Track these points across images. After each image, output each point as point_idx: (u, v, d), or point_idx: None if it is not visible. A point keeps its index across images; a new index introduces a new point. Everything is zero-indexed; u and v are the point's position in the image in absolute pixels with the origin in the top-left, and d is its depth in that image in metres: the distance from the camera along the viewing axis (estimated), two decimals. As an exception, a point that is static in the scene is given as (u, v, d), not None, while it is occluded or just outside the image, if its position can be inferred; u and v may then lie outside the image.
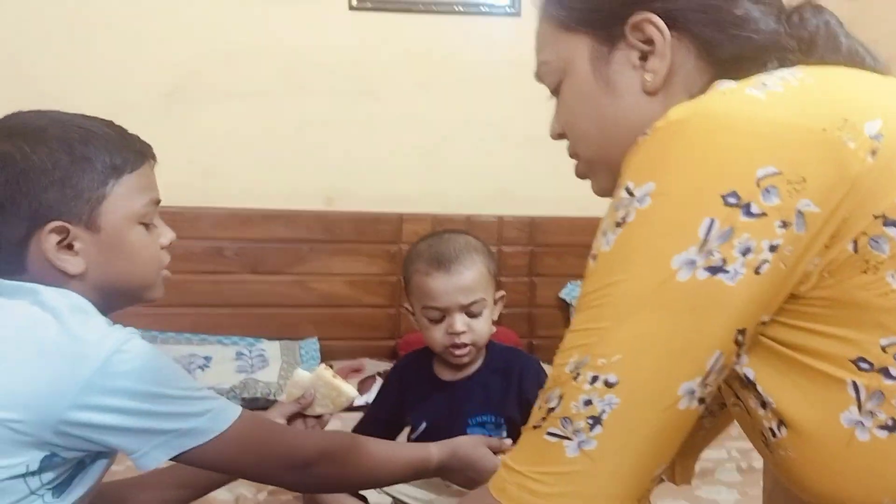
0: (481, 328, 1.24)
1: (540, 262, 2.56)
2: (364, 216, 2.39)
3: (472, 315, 1.22)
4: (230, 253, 2.28)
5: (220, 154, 2.29)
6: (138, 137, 0.86)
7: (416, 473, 1.02)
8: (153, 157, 0.87)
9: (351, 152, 2.39)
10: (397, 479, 1.04)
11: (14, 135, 0.80)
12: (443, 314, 1.22)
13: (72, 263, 0.79)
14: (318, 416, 1.08)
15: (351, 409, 1.89)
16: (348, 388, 1.10)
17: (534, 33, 0.75)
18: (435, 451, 1.03)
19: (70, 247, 0.79)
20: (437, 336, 1.23)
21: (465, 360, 1.26)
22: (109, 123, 0.85)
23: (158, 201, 0.87)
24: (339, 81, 2.39)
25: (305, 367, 1.88)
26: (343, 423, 1.83)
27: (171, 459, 0.78)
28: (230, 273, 2.28)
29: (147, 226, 0.85)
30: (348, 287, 2.36)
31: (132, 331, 0.79)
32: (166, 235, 0.89)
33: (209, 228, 2.25)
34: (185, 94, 2.29)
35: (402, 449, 1.08)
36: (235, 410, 0.82)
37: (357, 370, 2.08)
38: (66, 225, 0.78)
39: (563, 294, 2.53)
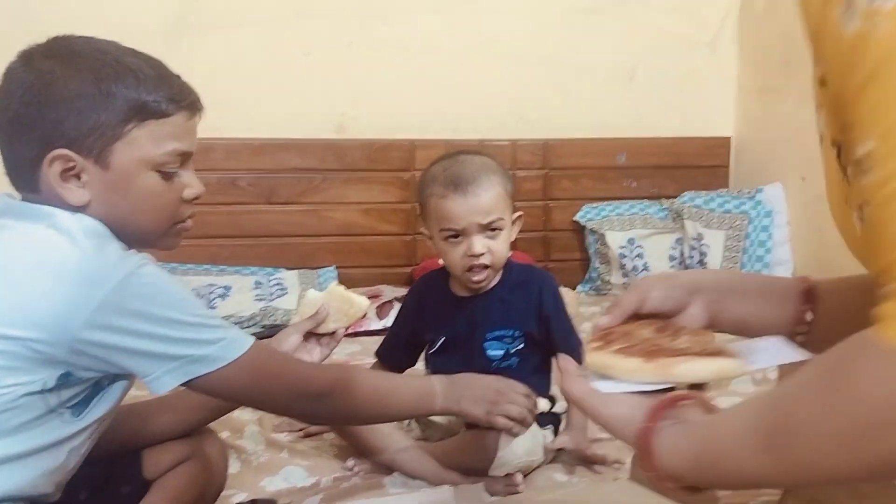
0: (500, 249, 1.23)
1: (555, 186, 2.54)
2: (376, 143, 2.37)
3: (490, 235, 1.22)
4: (244, 183, 2.28)
5: (229, 84, 2.25)
6: (183, 85, 0.83)
7: (423, 401, 1.02)
8: (194, 107, 0.84)
9: (361, 78, 2.35)
10: (405, 408, 1.04)
11: (54, 56, 0.79)
12: (461, 236, 1.22)
13: (74, 194, 0.79)
14: (332, 333, 1.10)
15: (372, 333, 1.95)
16: (360, 299, 1.11)
17: None
18: (436, 378, 1.06)
19: (78, 177, 0.79)
20: (456, 258, 1.23)
21: (483, 284, 1.26)
22: (156, 65, 0.83)
23: (186, 153, 0.84)
24: (347, 5, 2.33)
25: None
26: (363, 346, 1.87)
27: (182, 385, 0.79)
28: (245, 204, 2.28)
29: (167, 175, 0.83)
30: (363, 215, 2.36)
31: (146, 256, 0.79)
32: (192, 189, 0.86)
33: (222, 160, 2.25)
34: (190, 23, 2.24)
35: (407, 379, 1.10)
36: (248, 340, 0.82)
37: (375, 296, 2.10)
38: (72, 155, 0.78)
39: (578, 217, 2.52)
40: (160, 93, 0.81)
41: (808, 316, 0.72)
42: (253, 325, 1.97)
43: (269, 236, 2.31)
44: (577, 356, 1.28)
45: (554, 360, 1.33)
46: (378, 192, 2.37)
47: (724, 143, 2.63)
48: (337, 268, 2.29)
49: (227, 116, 2.21)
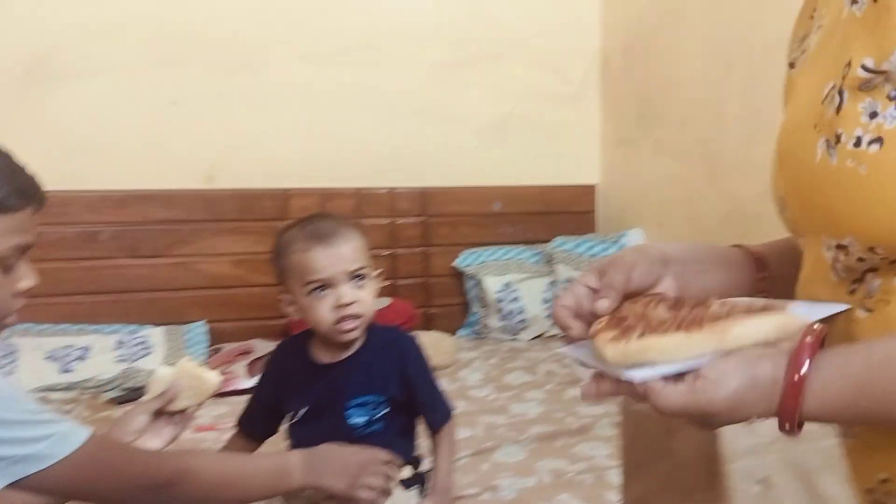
0: (367, 299, 1.23)
1: (433, 233, 2.58)
2: (247, 193, 2.33)
3: (357, 284, 1.21)
4: (105, 237, 2.18)
5: (88, 134, 2.16)
6: (30, 179, 0.82)
7: (279, 480, 1.00)
8: (41, 201, 0.83)
9: (230, 127, 2.32)
10: (259, 490, 1.01)
11: None
12: (328, 287, 1.20)
13: None
14: (183, 411, 1.07)
15: (241, 392, 1.89)
16: (212, 376, 1.09)
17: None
18: (293, 454, 1.04)
19: None
20: (324, 312, 1.20)
21: (355, 335, 1.23)
22: (3, 157, 0.80)
23: (28, 246, 0.82)
24: (214, 53, 2.29)
25: (188, 352, 1.84)
26: (232, 407, 1.81)
27: (9, 487, 0.75)
28: (107, 258, 2.18)
29: (6, 268, 0.80)
30: (235, 267, 2.31)
31: None
32: (26, 281, 0.83)
33: (81, 213, 2.14)
34: (45, 71, 2.13)
35: (259, 459, 1.08)
36: (81, 435, 0.79)
37: (246, 352, 2.05)
38: None
39: (457, 263, 2.57)
40: (8, 188, 0.79)
41: (763, 284, 0.73)
42: (114, 389, 1.86)
43: (132, 291, 2.21)
44: (443, 417, 1.31)
45: (418, 421, 1.33)
46: (251, 242, 2.32)
47: (590, 190, 2.77)
48: (207, 322, 2.21)
49: (87, 168, 2.13)
